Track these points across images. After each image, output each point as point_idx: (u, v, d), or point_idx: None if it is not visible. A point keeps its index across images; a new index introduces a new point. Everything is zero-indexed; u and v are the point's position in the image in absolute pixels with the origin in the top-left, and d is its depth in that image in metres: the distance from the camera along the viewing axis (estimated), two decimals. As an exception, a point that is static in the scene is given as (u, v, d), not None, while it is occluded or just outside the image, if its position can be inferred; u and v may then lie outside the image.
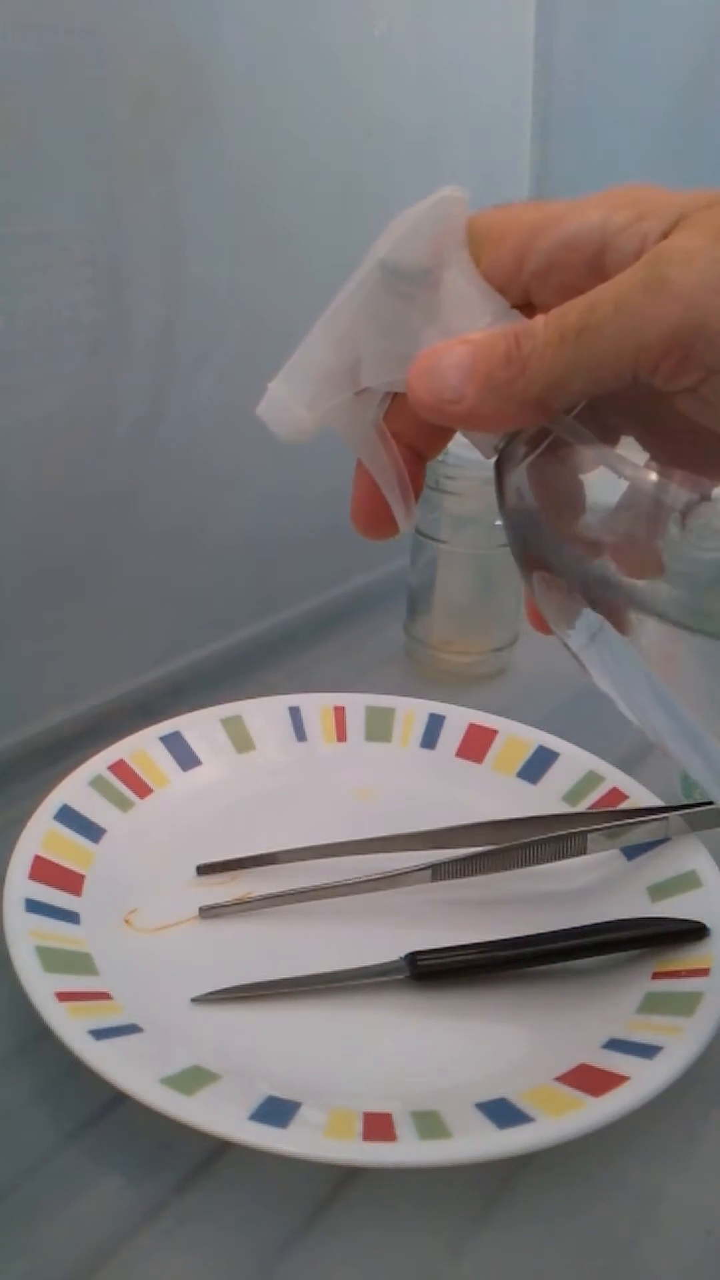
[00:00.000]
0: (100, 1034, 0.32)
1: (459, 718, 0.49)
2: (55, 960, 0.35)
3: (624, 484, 0.26)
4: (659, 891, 0.40)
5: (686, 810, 0.42)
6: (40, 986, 0.33)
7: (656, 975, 0.36)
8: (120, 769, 0.44)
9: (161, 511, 0.52)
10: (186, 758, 0.46)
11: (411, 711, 0.50)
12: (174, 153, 0.47)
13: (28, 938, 0.35)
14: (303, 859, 0.42)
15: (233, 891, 0.41)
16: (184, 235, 0.49)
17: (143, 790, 0.44)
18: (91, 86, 0.43)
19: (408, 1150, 0.30)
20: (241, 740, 0.48)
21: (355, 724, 0.50)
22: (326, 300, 0.30)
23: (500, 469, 0.29)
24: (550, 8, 0.68)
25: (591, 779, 0.46)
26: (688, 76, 0.67)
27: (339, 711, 0.50)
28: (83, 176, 0.44)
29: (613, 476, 0.26)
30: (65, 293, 0.45)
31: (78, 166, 0.44)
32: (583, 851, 0.41)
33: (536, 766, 0.47)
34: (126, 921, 0.39)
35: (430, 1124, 0.31)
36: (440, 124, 0.62)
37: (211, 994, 0.35)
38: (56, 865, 0.39)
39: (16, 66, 0.40)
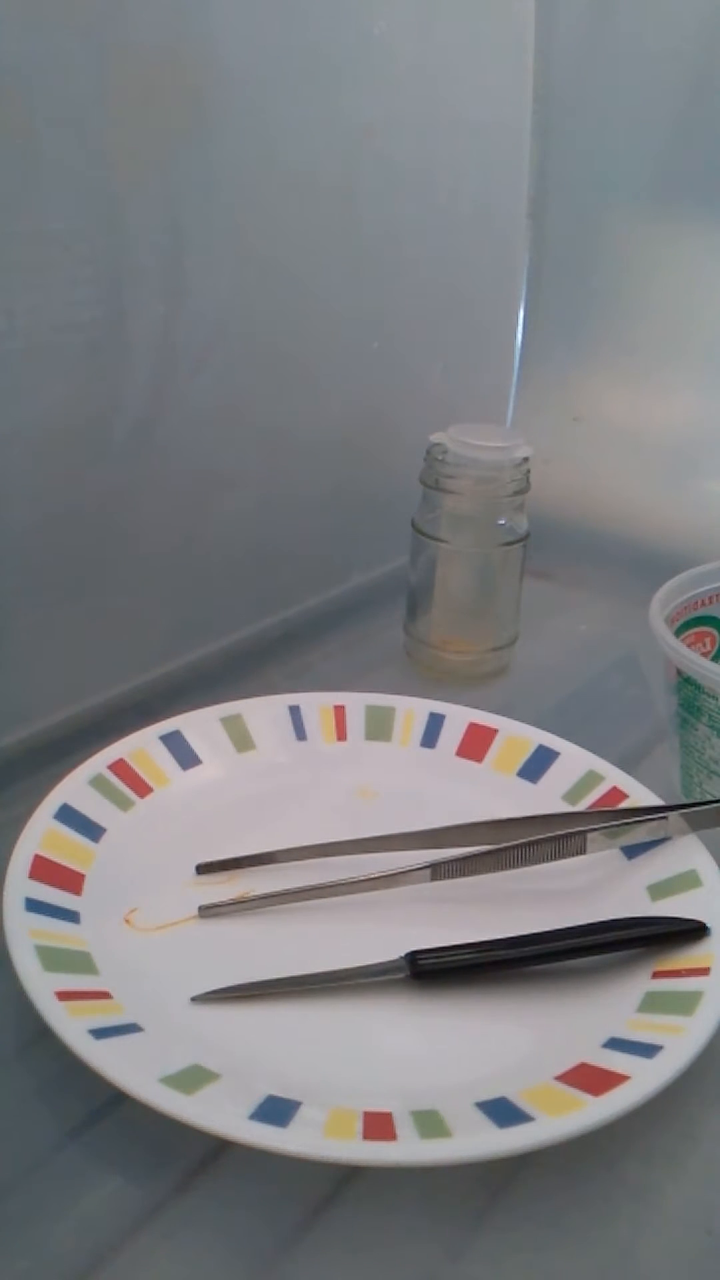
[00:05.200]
0: (100, 1033, 0.32)
1: (459, 717, 0.49)
2: (55, 959, 0.35)
3: None
4: (659, 891, 0.40)
5: (686, 810, 0.42)
6: (40, 985, 0.33)
7: (657, 974, 0.36)
8: (120, 768, 0.44)
9: (161, 511, 0.52)
10: (186, 757, 0.46)
11: (411, 710, 0.50)
12: (174, 153, 0.47)
13: (28, 937, 0.35)
14: (302, 858, 0.42)
15: (232, 891, 0.41)
16: (184, 235, 0.49)
17: (143, 789, 0.44)
18: (91, 86, 0.43)
19: (408, 1149, 0.30)
20: (241, 739, 0.48)
21: (355, 723, 0.49)
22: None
23: None
24: (550, 8, 0.68)
25: (591, 778, 0.46)
26: (688, 76, 0.67)
27: (339, 711, 0.50)
28: (83, 176, 0.44)
29: None
30: (65, 292, 0.45)
31: (78, 166, 0.44)
32: (582, 851, 0.41)
33: (536, 766, 0.47)
34: (126, 920, 0.39)
35: (430, 1123, 0.31)
36: (440, 124, 0.63)
37: (211, 993, 0.35)
38: (56, 864, 0.39)
39: (16, 66, 0.40)
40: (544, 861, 0.41)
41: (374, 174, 0.58)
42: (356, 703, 0.50)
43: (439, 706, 0.50)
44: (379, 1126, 0.30)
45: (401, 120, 0.59)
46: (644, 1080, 0.31)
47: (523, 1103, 0.31)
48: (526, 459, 0.55)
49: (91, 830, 0.41)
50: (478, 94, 0.66)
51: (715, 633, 0.49)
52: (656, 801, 0.44)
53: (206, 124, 0.48)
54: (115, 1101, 0.32)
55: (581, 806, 0.45)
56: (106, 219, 0.46)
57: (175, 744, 0.46)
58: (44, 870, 0.38)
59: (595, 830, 0.41)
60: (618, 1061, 0.32)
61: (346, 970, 0.36)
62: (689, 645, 0.46)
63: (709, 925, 0.37)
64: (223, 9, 0.47)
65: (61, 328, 0.45)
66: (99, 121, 0.44)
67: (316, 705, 0.50)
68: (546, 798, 0.46)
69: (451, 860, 0.40)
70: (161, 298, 0.49)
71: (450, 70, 0.62)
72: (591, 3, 0.69)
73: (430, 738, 0.49)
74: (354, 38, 0.55)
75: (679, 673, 0.43)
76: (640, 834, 0.42)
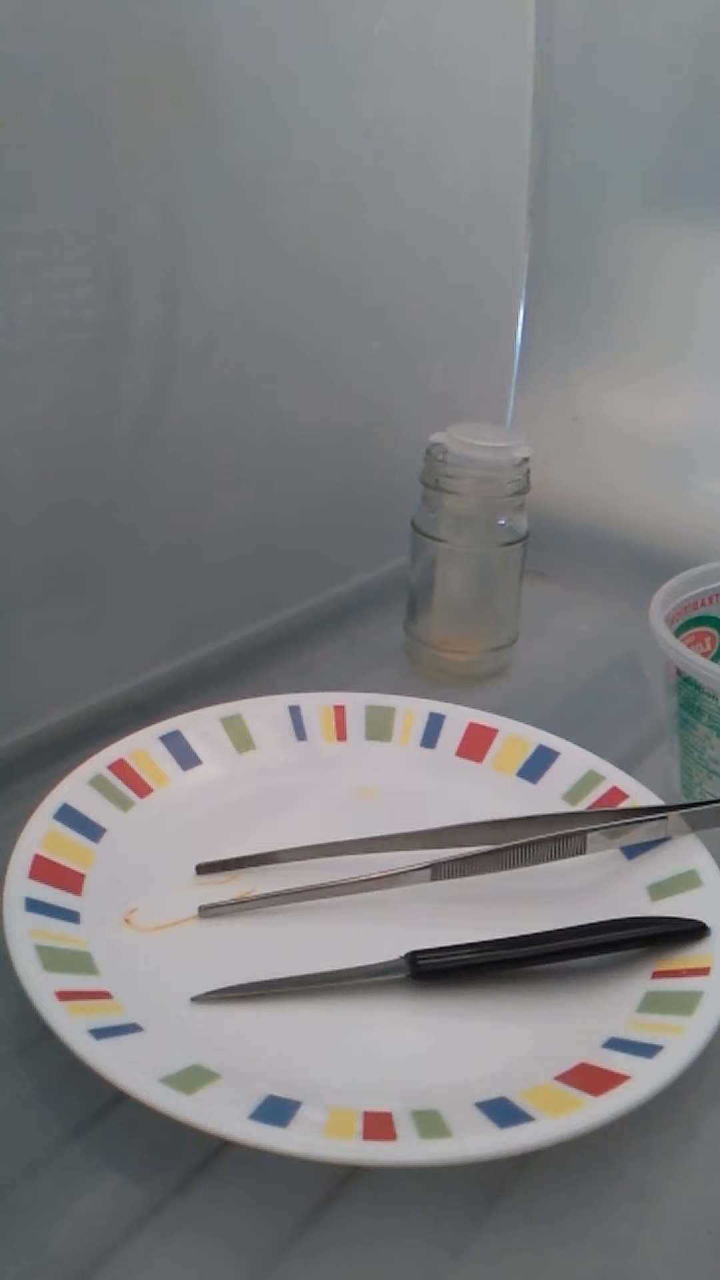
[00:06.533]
0: (100, 1033, 0.32)
1: (459, 717, 0.49)
2: (55, 959, 0.35)
3: None
4: (659, 890, 0.40)
5: (686, 809, 0.42)
6: (40, 986, 0.33)
7: (656, 974, 0.36)
8: (120, 768, 0.44)
9: (161, 511, 0.52)
10: (186, 757, 0.46)
11: (411, 710, 0.50)
12: (174, 152, 0.47)
13: (28, 937, 0.35)
14: (302, 858, 0.42)
15: (232, 891, 0.41)
16: (184, 235, 0.49)
17: (143, 789, 0.44)
18: (91, 86, 0.43)
19: (408, 1149, 0.30)
20: (241, 739, 0.48)
21: (355, 723, 0.49)
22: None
23: None
24: (550, 8, 0.68)
25: (591, 778, 0.46)
26: (688, 76, 0.67)
27: (339, 711, 0.50)
28: (83, 176, 0.44)
29: None
30: (65, 292, 0.45)
31: (78, 166, 0.44)
32: (582, 851, 0.41)
33: (536, 766, 0.47)
34: (126, 920, 0.39)
35: (430, 1123, 0.31)
36: (440, 123, 0.62)
37: (211, 993, 0.35)
38: (57, 864, 0.39)
39: (16, 66, 0.40)
40: (544, 861, 0.41)
41: (374, 174, 0.58)
42: (357, 703, 0.50)
43: (439, 706, 0.50)
44: (379, 1126, 0.30)
45: (402, 120, 0.59)
46: (644, 1080, 0.31)
47: (523, 1102, 0.31)
48: (526, 459, 0.55)
49: (91, 830, 0.41)
50: (478, 93, 0.66)
51: (715, 633, 0.49)
52: (656, 801, 0.44)
53: (207, 123, 0.48)
54: (115, 1101, 0.32)
55: (581, 806, 0.45)
56: (106, 219, 0.45)
57: (175, 744, 0.46)
58: (44, 870, 0.38)
59: (595, 830, 0.41)
60: (618, 1061, 0.32)
61: (346, 970, 0.36)
62: (689, 645, 0.46)
63: (709, 925, 0.37)
64: (223, 8, 0.47)
65: (61, 327, 0.45)
66: (99, 121, 0.44)
67: (317, 705, 0.50)
68: (546, 798, 0.46)
69: (452, 860, 0.40)
70: (161, 297, 0.49)
71: (450, 70, 0.62)
72: (592, 3, 0.69)
73: (430, 738, 0.49)
74: (354, 38, 0.55)
75: (679, 673, 0.43)
76: (640, 834, 0.42)
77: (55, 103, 0.42)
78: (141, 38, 0.44)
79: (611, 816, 0.42)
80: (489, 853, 0.40)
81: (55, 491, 0.47)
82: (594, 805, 0.45)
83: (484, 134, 0.67)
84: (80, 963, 0.35)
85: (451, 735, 0.49)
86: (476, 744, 0.48)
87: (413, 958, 0.36)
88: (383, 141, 0.58)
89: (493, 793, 0.46)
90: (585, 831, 0.41)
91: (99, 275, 0.46)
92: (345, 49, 0.55)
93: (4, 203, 0.41)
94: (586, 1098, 0.31)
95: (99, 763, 0.44)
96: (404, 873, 0.40)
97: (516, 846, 0.40)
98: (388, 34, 0.56)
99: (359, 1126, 0.30)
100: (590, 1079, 0.32)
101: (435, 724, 0.49)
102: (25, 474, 0.46)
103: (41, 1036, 0.33)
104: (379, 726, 0.49)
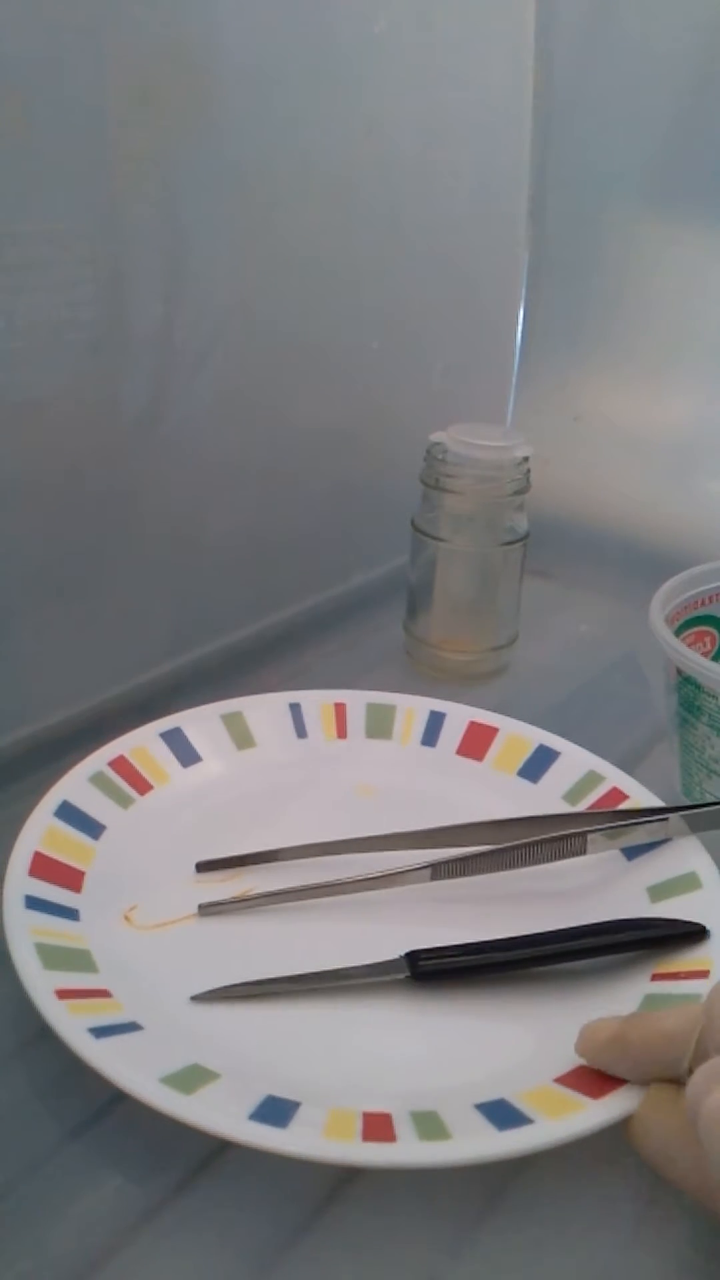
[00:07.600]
0: (100, 1032, 0.32)
1: (460, 715, 0.49)
2: (55, 957, 0.35)
3: None
4: (659, 892, 0.40)
5: (687, 811, 0.42)
6: (40, 984, 0.33)
7: (656, 977, 0.36)
8: (120, 765, 0.44)
9: (161, 510, 0.52)
10: (187, 754, 0.46)
11: (412, 709, 0.50)
12: (174, 152, 0.47)
13: (28, 934, 0.35)
14: (302, 856, 0.42)
15: (232, 889, 0.41)
16: (184, 235, 0.49)
17: (143, 787, 0.44)
18: (91, 86, 0.43)
19: (407, 1151, 0.30)
20: (242, 737, 0.48)
21: (356, 721, 0.49)
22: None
23: None
24: (550, 8, 0.68)
25: (592, 778, 0.46)
26: (688, 76, 0.66)
27: (339, 708, 0.50)
28: (83, 176, 0.44)
29: None
30: (65, 292, 0.45)
31: (78, 166, 0.44)
32: (583, 851, 0.41)
33: (537, 765, 0.47)
34: (126, 918, 0.39)
35: (429, 1124, 0.30)
36: (440, 123, 0.62)
37: (211, 992, 0.35)
38: (56, 862, 0.39)
39: (16, 66, 0.40)
40: (544, 862, 0.41)
41: (374, 173, 0.58)
42: (357, 700, 0.50)
43: (440, 705, 0.50)
44: (378, 1127, 0.30)
45: (402, 120, 0.59)
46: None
47: (522, 1104, 0.31)
48: (526, 459, 0.55)
49: (91, 827, 0.41)
50: (478, 93, 0.66)
51: (715, 632, 0.49)
52: (657, 802, 0.44)
53: (207, 123, 0.48)
54: (115, 1101, 0.32)
55: (582, 807, 0.45)
56: (106, 219, 0.46)
57: (176, 741, 0.46)
58: (44, 867, 0.38)
59: (596, 831, 0.41)
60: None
61: (346, 970, 0.36)
62: (689, 645, 0.46)
63: (708, 928, 0.37)
64: (223, 8, 0.47)
65: (61, 327, 0.45)
66: (99, 121, 0.44)
67: (317, 703, 0.50)
68: (547, 797, 0.46)
69: (451, 860, 0.40)
70: (161, 297, 0.49)
71: (451, 70, 0.62)
72: (591, 3, 0.69)
73: (431, 736, 0.49)
74: (354, 38, 0.55)
75: (679, 672, 0.43)
76: (640, 835, 0.42)
77: (55, 103, 0.42)
78: (141, 38, 0.44)
79: (612, 818, 0.42)
80: (489, 853, 0.40)
81: (55, 491, 0.47)
82: (594, 805, 0.45)
83: (484, 134, 0.67)
84: (80, 961, 0.35)
85: (452, 734, 0.49)
86: (477, 743, 0.48)
87: (412, 958, 0.36)
88: (383, 141, 0.58)
89: (493, 792, 0.46)
90: (586, 832, 0.41)
91: (99, 275, 0.46)
92: (345, 49, 0.55)
93: (4, 203, 0.41)
94: (586, 1100, 0.31)
95: (99, 759, 0.44)
96: (404, 872, 0.40)
97: (516, 847, 0.40)
98: (388, 34, 0.56)
99: (358, 1127, 0.30)
100: (589, 1081, 0.32)
101: (436, 722, 0.49)
102: (25, 473, 0.46)
103: (41, 1036, 0.33)
104: (379, 724, 0.49)
